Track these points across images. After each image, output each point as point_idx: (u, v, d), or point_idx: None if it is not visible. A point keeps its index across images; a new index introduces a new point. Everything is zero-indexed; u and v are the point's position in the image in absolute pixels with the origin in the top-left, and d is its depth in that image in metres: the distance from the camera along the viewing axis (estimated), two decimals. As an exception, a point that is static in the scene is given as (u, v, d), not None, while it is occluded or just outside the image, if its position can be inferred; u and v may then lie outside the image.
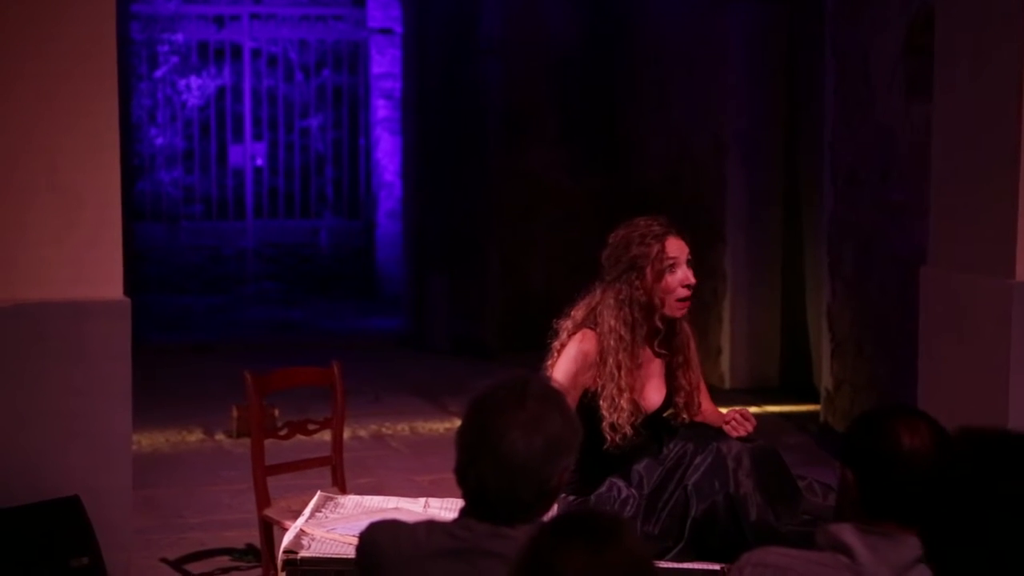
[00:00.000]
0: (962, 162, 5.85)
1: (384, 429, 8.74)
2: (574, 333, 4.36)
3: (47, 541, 4.89)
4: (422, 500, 4.67)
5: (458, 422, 2.78)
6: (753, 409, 9.30)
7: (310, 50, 15.52)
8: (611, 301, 4.29)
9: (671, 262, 4.30)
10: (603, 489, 4.20)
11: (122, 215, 5.21)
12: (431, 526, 2.80)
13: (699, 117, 10.30)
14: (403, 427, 8.82)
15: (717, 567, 3.95)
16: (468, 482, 2.71)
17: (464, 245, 12.00)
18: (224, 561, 6.05)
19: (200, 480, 7.45)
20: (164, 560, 6.05)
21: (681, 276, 4.31)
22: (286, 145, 15.59)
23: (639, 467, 4.19)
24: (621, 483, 4.19)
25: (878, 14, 7.96)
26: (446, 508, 4.42)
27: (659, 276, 4.29)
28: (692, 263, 4.37)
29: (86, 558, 4.93)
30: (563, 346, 4.37)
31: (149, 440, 8.28)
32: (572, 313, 4.41)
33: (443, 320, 11.85)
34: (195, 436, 8.54)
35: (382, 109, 15.46)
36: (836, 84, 8.43)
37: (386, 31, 15.27)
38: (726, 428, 4.27)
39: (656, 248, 4.29)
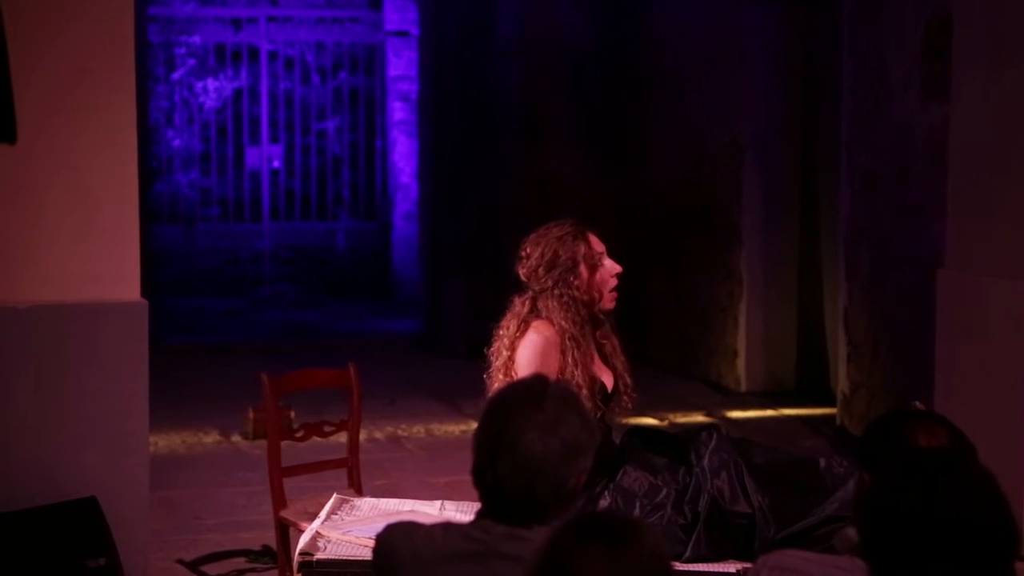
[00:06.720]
0: (979, 164, 5.83)
1: (400, 431, 8.74)
2: (523, 335, 4.38)
3: (64, 542, 4.90)
4: (438, 503, 4.67)
5: (474, 425, 2.78)
6: (769, 412, 9.37)
7: (327, 52, 15.53)
8: (555, 304, 4.39)
9: (599, 255, 4.45)
10: (629, 481, 4.20)
11: (139, 217, 5.22)
12: (447, 528, 2.80)
13: (715, 118, 10.28)
14: (419, 429, 8.81)
15: (733, 569, 3.95)
16: (485, 483, 2.71)
17: (480, 247, 11.99)
18: (240, 562, 6.05)
19: (216, 481, 7.45)
20: (180, 561, 6.05)
21: (610, 266, 4.47)
22: (303, 147, 15.60)
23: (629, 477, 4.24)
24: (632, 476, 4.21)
25: (895, 15, 7.93)
26: (462, 511, 4.42)
27: (593, 270, 4.43)
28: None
29: (103, 559, 4.94)
30: (512, 353, 4.38)
31: (166, 441, 8.29)
32: (501, 332, 4.48)
33: (459, 322, 11.83)
34: (211, 438, 8.54)
35: (399, 111, 15.46)
36: (853, 85, 8.41)
37: (403, 34, 15.27)
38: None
39: (583, 246, 4.43)
